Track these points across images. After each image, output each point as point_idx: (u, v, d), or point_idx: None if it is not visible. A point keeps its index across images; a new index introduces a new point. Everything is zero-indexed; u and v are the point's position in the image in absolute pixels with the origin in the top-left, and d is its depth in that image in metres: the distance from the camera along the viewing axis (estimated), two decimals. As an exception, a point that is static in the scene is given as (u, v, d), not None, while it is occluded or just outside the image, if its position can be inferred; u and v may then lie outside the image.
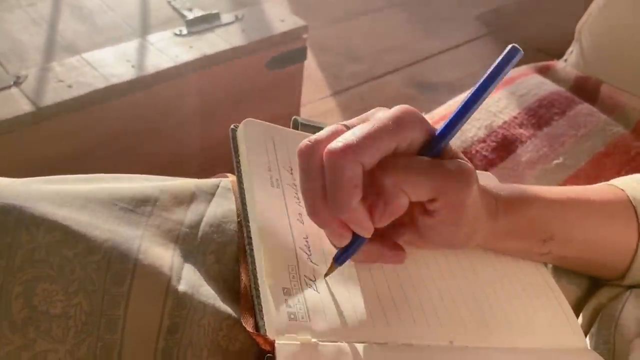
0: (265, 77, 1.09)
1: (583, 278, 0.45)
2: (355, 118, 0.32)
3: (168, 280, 0.31)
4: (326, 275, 0.32)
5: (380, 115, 0.30)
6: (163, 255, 0.31)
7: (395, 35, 1.68)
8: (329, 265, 0.32)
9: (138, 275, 0.30)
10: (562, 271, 0.45)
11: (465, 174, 0.30)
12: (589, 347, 0.39)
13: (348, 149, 0.28)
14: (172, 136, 1.03)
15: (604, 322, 0.40)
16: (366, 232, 0.30)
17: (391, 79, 1.53)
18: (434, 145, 0.30)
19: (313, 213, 0.30)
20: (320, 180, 0.29)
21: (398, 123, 0.29)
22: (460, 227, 0.32)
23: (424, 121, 0.30)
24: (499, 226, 0.36)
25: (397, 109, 0.30)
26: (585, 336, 0.40)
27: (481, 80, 0.30)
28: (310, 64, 1.47)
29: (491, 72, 0.30)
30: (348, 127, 0.30)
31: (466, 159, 0.31)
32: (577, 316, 0.42)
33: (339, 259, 0.32)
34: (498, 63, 0.30)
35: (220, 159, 1.03)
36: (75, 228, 0.30)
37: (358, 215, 0.29)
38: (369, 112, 0.32)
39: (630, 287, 0.42)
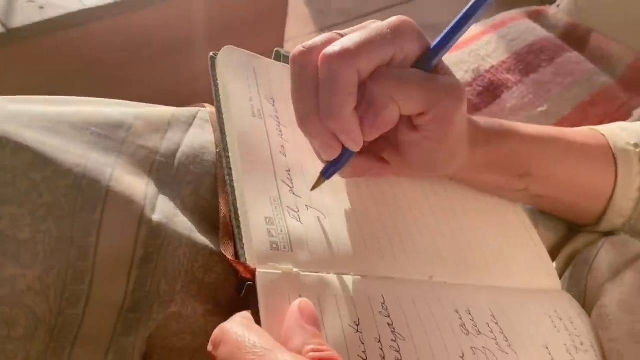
0: (248, 8, 1.05)
1: (560, 225, 0.46)
2: (350, 28, 0.30)
3: (142, 209, 0.29)
4: (313, 188, 0.32)
5: (377, 24, 0.29)
6: (137, 184, 0.30)
7: (386, -28, 1.62)
8: (315, 180, 0.31)
9: (110, 203, 0.29)
10: (540, 217, 0.45)
11: (457, 89, 0.30)
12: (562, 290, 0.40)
13: (345, 53, 0.27)
14: (151, 66, 0.99)
15: (578, 266, 0.41)
16: (356, 144, 0.30)
17: (380, 18, 1.48)
18: (430, 58, 0.30)
19: (304, 122, 0.29)
20: (313, 88, 0.28)
21: (396, 32, 0.29)
22: (443, 145, 0.32)
23: (420, 33, 0.30)
24: (477, 157, 0.36)
25: (394, 19, 0.29)
26: (560, 279, 0.40)
27: None
28: (296, -2, 1.42)
29: None
30: (342, 36, 0.29)
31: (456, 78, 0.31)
32: (553, 261, 0.43)
33: (326, 173, 0.31)
34: None
35: (200, 92, 1.00)
36: (44, 150, 0.29)
37: (349, 126, 0.29)
38: (364, 23, 0.31)
39: (606, 234, 0.43)
